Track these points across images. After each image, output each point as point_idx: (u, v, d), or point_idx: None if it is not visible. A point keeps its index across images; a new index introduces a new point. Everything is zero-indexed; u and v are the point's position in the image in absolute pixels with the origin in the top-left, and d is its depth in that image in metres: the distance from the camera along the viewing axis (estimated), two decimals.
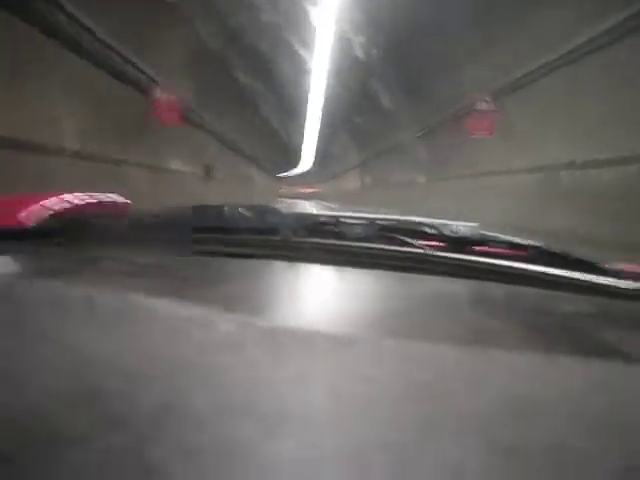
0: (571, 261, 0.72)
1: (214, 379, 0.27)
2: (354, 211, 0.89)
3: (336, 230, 0.82)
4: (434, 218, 0.86)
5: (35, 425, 0.22)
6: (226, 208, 0.87)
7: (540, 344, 0.42)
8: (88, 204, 1.69)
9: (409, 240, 0.77)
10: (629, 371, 0.35)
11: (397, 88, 11.27)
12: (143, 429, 0.22)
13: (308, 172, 46.44)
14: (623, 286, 0.66)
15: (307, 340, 0.33)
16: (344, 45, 10.85)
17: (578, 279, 0.68)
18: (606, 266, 0.71)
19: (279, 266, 0.72)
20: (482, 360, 0.34)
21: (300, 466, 0.20)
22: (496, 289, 0.66)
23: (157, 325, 0.35)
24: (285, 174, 48.86)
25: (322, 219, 0.84)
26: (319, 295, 0.58)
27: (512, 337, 0.45)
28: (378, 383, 0.28)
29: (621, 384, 0.32)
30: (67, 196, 1.52)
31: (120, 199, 2.09)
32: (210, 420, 0.23)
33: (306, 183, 53.31)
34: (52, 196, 1.47)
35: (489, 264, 0.73)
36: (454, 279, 0.68)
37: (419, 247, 0.75)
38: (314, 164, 41.69)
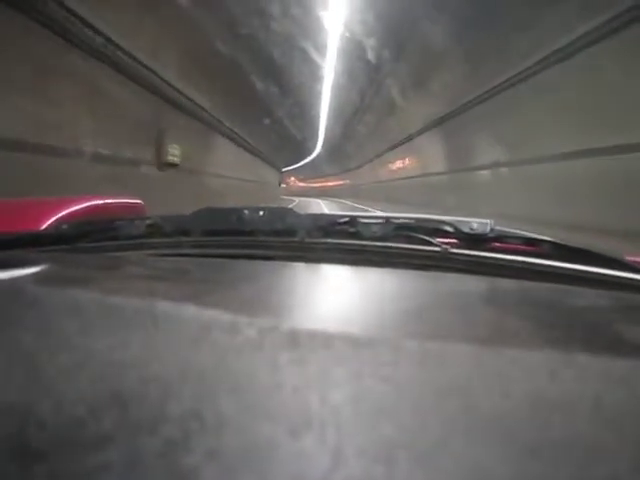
0: (587, 256, 0.71)
1: (239, 383, 0.28)
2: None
3: (352, 230, 0.82)
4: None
5: (63, 426, 0.23)
6: (244, 210, 0.87)
7: (558, 340, 0.42)
8: (100, 206, 1.72)
9: (426, 238, 0.77)
10: None
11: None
12: (172, 433, 0.22)
13: (316, 163, 42.73)
14: (636, 279, 0.66)
15: (328, 343, 0.34)
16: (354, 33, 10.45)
17: (595, 273, 0.68)
18: (623, 260, 0.70)
19: (297, 267, 0.73)
20: (501, 359, 0.34)
21: (325, 466, 0.21)
22: (514, 285, 0.66)
23: (180, 330, 0.35)
24: (289, 167, 45.09)
25: (338, 219, 0.85)
26: (337, 296, 0.59)
27: (530, 334, 0.45)
28: (399, 384, 0.29)
29: (638, 379, 0.32)
30: (82, 199, 1.53)
31: (132, 200, 2.11)
32: (237, 424, 0.24)
33: (315, 176, 50.14)
34: (68, 200, 1.49)
35: (506, 260, 0.73)
36: (471, 276, 0.68)
37: (436, 245, 0.76)
38: (322, 154, 37.77)
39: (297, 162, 42.38)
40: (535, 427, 0.25)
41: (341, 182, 39.98)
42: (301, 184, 53.05)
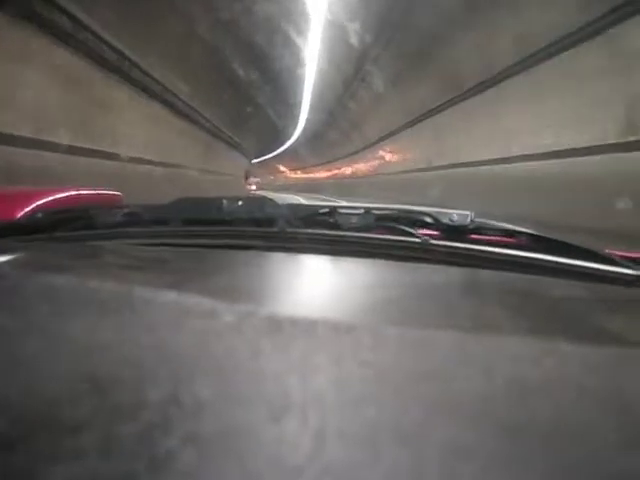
0: (567, 248, 0.72)
1: (218, 368, 0.27)
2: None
3: (332, 221, 0.82)
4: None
5: (36, 412, 0.22)
6: (223, 200, 0.87)
7: (539, 329, 0.43)
8: (79, 197, 1.69)
9: (406, 229, 0.78)
10: (625, 354, 0.36)
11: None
12: (149, 417, 0.22)
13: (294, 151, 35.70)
14: (619, 273, 0.67)
15: (308, 328, 0.33)
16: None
17: (574, 265, 0.69)
18: (601, 253, 0.71)
19: (277, 257, 0.73)
20: (482, 346, 0.34)
21: (307, 451, 0.20)
22: (493, 276, 0.66)
23: (159, 315, 0.35)
24: (263, 157, 38.47)
25: (318, 210, 0.84)
26: (317, 285, 0.59)
27: (511, 323, 0.45)
28: (380, 369, 0.29)
29: (618, 366, 0.33)
30: (59, 190, 1.51)
31: (112, 192, 2.09)
32: (216, 408, 0.23)
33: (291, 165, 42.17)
34: (45, 191, 1.47)
35: (485, 252, 0.74)
36: (451, 267, 0.69)
37: (416, 236, 0.76)
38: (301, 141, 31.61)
39: (273, 150, 36.30)
40: (518, 411, 0.25)
41: (328, 174, 30.73)
42: (293, 175, 43.44)
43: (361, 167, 21.64)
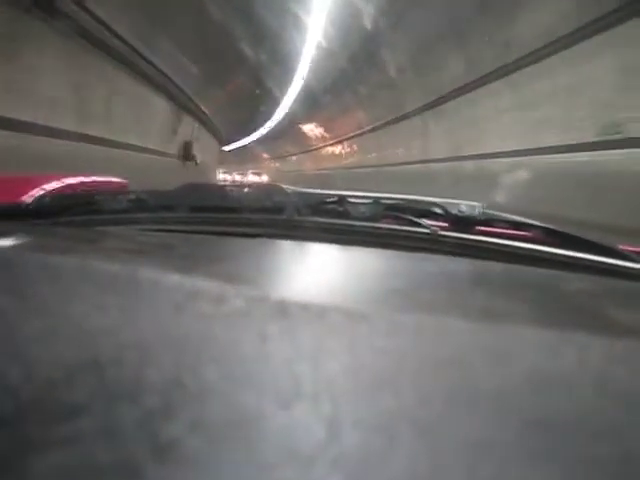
0: (579, 242, 0.71)
1: (226, 352, 0.26)
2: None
3: (340, 209, 0.81)
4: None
5: (33, 393, 0.21)
6: (231, 187, 0.86)
7: (554, 321, 0.42)
8: (86, 183, 1.69)
9: (415, 219, 0.77)
10: None
11: None
12: (152, 402, 0.21)
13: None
14: (631, 267, 0.66)
15: (319, 314, 0.32)
16: None
17: (586, 260, 0.68)
18: (615, 248, 0.70)
19: (284, 245, 0.72)
20: (499, 335, 0.33)
21: (318, 438, 0.20)
22: (503, 269, 0.65)
23: (164, 299, 0.34)
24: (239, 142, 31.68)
25: (327, 198, 0.83)
26: (325, 272, 0.58)
27: (523, 314, 0.44)
28: (396, 357, 0.28)
29: (637, 359, 0.32)
30: (66, 176, 1.51)
31: (118, 180, 2.09)
32: (222, 393, 0.22)
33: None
34: (52, 176, 1.47)
35: (495, 244, 0.73)
36: (460, 258, 0.68)
37: (425, 227, 0.75)
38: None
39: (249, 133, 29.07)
40: (538, 402, 0.24)
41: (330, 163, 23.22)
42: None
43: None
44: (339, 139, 21.37)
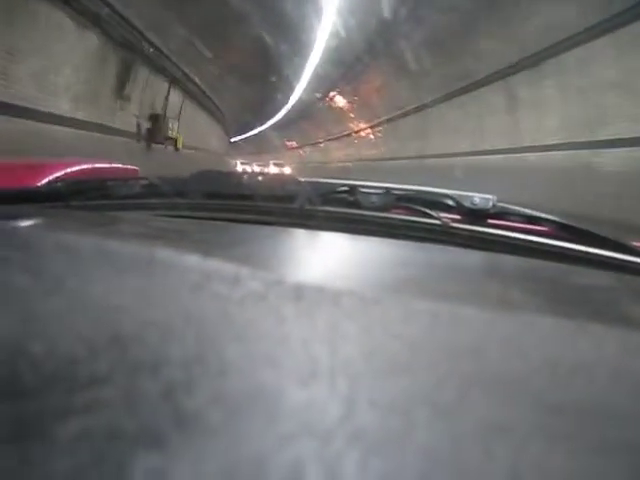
0: (592, 238, 0.71)
1: (243, 331, 0.27)
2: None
3: (352, 199, 0.81)
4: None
5: (56, 365, 0.22)
6: (244, 175, 0.86)
7: (566, 312, 0.42)
8: (95, 170, 1.70)
9: (426, 211, 0.76)
10: None
11: None
12: (173, 375, 0.21)
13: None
14: None
15: (335, 298, 0.32)
16: None
17: (599, 255, 0.67)
18: (628, 244, 0.70)
19: (296, 233, 0.72)
20: (514, 324, 0.33)
21: (335, 415, 0.20)
22: (516, 262, 0.65)
23: (181, 278, 0.34)
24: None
25: (338, 188, 0.83)
26: (337, 260, 0.58)
27: (536, 305, 0.44)
28: (411, 342, 0.28)
29: None
30: (78, 162, 1.52)
31: (128, 166, 2.09)
32: (242, 370, 0.23)
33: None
34: (64, 162, 1.47)
35: (507, 237, 0.72)
36: (471, 251, 0.68)
37: (436, 218, 0.75)
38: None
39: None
40: (555, 390, 0.24)
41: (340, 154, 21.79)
42: None
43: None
44: (373, 123, 17.62)
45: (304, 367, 0.23)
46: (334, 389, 0.22)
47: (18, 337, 0.24)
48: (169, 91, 12.40)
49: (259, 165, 23.77)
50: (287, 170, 21.54)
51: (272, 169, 21.88)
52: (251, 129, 31.07)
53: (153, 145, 10.93)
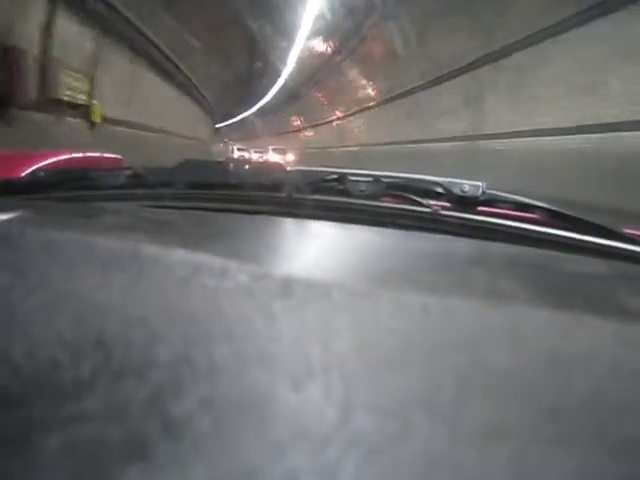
0: (583, 224, 0.71)
1: (232, 329, 0.26)
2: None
3: (341, 187, 0.80)
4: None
5: (38, 370, 0.21)
6: (230, 164, 0.84)
7: (560, 302, 0.41)
8: (79, 160, 1.67)
9: (415, 198, 0.76)
10: None
11: None
12: (160, 378, 0.20)
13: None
14: (634, 250, 0.65)
15: (324, 292, 0.32)
16: None
17: (590, 242, 0.67)
18: (619, 231, 0.70)
19: (285, 222, 0.71)
20: (508, 316, 0.32)
21: (331, 420, 0.19)
22: (506, 249, 0.65)
23: (166, 273, 0.33)
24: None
25: (327, 176, 0.82)
26: (325, 251, 0.57)
27: (528, 295, 0.44)
28: (403, 336, 0.27)
29: None
30: (60, 152, 1.49)
31: (112, 155, 2.07)
32: (232, 371, 0.22)
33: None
34: (46, 153, 1.44)
35: (497, 224, 0.72)
36: (461, 238, 0.67)
37: (426, 206, 0.74)
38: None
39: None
40: (553, 385, 0.24)
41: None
42: None
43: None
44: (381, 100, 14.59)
45: (296, 367, 0.22)
46: (329, 391, 0.21)
47: None
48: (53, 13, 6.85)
49: (257, 152, 21.46)
50: (289, 157, 19.38)
51: (271, 156, 19.42)
52: (239, 113, 28.43)
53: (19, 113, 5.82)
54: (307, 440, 0.18)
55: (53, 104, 6.82)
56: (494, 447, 0.19)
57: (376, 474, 0.17)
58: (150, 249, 0.37)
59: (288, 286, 0.31)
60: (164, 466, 0.16)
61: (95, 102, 8.25)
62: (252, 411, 0.19)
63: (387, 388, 0.22)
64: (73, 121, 7.49)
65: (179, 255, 0.36)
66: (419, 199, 0.75)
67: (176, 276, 0.32)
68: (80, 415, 0.18)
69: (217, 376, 0.21)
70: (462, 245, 0.65)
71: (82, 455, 0.17)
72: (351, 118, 17.84)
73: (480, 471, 0.18)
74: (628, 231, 0.70)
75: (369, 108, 15.71)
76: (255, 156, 20.48)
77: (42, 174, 0.86)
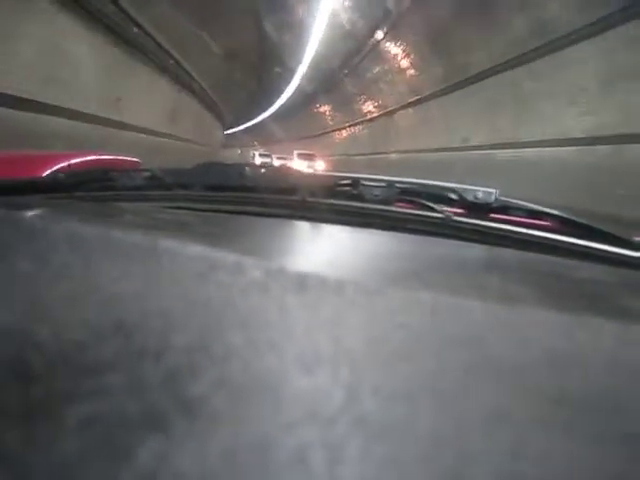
0: (595, 233, 0.71)
1: (247, 319, 0.27)
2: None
3: (354, 192, 0.81)
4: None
5: (61, 351, 0.22)
6: (246, 167, 0.86)
7: (566, 305, 0.42)
8: (98, 162, 1.70)
9: (429, 204, 0.76)
10: None
11: None
12: (177, 362, 0.22)
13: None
14: None
15: (338, 288, 0.33)
16: None
17: (602, 251, 0.67)
18: (631, 239, 0.70)
19: (299, 225, 0.72)
20: (515, 316, 0.33)
21: (338, 402, 0.20)
22: (518, 256, 0.65)
23: (184, 266, 0.34)
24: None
25: (341, 181, 0.83)
26: (338, 252, 0.58)
27: (537, 298, 0.44)
28: (413, 330, 0.28)
29: None
30: (81, 154, 1.52)
31: (131, 158, 2.10)
32: (245, 357, 0.23)
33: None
34: (68, 154, 1.48)
35: (509, 231, 0.72)
36: (473, 244, 0.68)
37: (439, 212, 0.75)
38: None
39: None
40: (554, 380, 0.24)
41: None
42: None
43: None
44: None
45: (307, 354, 0.23)
46: (337, 376, 0.22)
47: (26, 323, 0.24)
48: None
49: (280, 158, 18.21)
50: (319, 165, 16.55)
51: (297, 163, 16.34)
52: (252, 117, 26.41)
53: None
54: (316, 419, 0.19)
55: None
56: (497, 432, 0.20)
57: (381, 452, 0.18)
58: (169, 244, 0.39)
59: (302, 282, 0.33)
60: (181, 439, 0.17)
61: None
62: (264, 392, 0.20)
63: (394, 375, 0.23)
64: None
65: (197, 251, 0.37)
66: (432, 205, 0.76)
67: (193, 270, 0.33)
68: (102, 390, 0.19)
69: (231, 361, 0.22)
70: (474, 251, 0.65)
71: (104, 427, 0.18)
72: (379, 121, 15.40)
73: (483, 453, 0.18)
74: (637, 238, 0.70)
75: (399, 109, 13.20)
76: (277, 163, 17.28)
77: (63, 175, 0.88)
